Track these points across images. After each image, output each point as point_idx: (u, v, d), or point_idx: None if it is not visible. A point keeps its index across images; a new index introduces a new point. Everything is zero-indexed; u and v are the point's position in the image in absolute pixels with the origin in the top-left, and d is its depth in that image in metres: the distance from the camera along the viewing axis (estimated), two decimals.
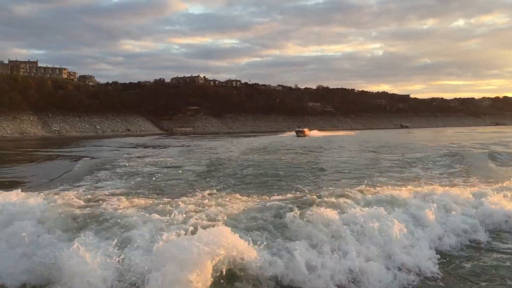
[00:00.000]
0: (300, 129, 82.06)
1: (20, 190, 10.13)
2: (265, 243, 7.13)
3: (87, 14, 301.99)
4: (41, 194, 10.12)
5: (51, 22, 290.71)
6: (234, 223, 8.13)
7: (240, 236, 6.97)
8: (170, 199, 10.14)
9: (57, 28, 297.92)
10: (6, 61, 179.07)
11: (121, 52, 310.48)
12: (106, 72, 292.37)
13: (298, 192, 13.02)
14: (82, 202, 9.71)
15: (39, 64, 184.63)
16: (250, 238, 7.18)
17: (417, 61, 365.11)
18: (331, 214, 8.52)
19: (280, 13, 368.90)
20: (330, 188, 13.50)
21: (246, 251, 6.68)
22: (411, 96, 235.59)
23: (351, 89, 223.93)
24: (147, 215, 8.03)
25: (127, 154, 33.36)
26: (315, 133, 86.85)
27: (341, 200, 9.97)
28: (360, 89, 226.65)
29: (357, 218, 8.53)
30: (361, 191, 11.34)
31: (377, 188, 12.81)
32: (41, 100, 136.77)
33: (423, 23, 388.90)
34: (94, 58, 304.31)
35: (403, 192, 11.27)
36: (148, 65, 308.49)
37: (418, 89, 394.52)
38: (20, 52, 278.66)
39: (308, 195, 10.85)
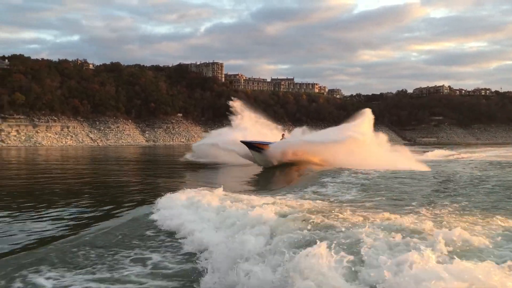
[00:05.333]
0: None
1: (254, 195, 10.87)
2: None
3: (328, 28, 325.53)
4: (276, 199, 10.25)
5: (295, 39, 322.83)
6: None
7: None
8: (399, 214, 7.92)
9: (301, 44, 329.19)
10: (268, 79, 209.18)
11: (359, 62, 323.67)
12: (344, 83, 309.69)
13: None
14: (311, 211, 8.46)
15: (295, 81, 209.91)
16: None
17: None
18: None
19: None
20: None
21: None
22: None
23: None
24: (380, 231, 6.40)
25: None
26: None
27: None
28: None
29: None
30: None
31: None
32: (298, 112, 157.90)
33: None
34: (333, 70, 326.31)
35: None
36: (385, 74, 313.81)
37: None
38: (268, 68, 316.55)
39: None
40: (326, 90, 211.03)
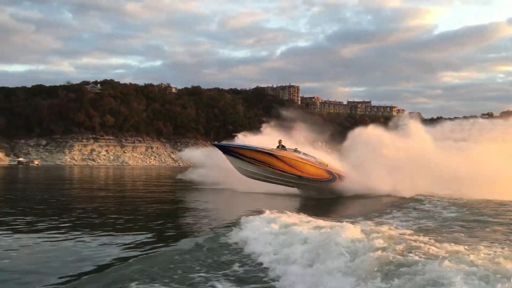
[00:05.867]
0: None
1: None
2: None
3: (407, 50, 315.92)
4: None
5: (372, 61, 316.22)
6: None
7: None
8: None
9: (377, 66, 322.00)
10: (344, 102, 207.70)
11: (440, 84, 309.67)
12: (423, 106, 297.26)
13: None
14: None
15: (372, 103, 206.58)
16: None
17: None
18: None
19: None
20: None
21: None
22: None
23: None
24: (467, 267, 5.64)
25: None
26: None
27: None
28: None
29: None
30: None
31: None
32: None
33: None
34: (411, 92, 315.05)
35: None
36: (468, 96, 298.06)
37: None
38: (343, 90, 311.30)
39: None
40: (405, 113, 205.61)
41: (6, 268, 7.89)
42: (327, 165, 23.12)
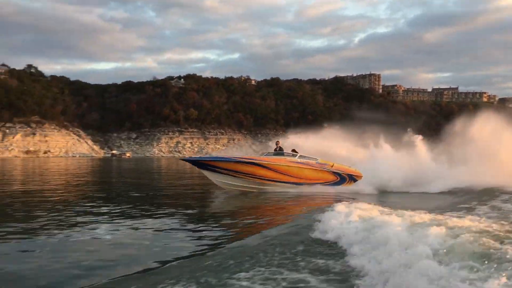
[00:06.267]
0: None
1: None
2: None
3: (497, 32, 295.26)
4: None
5: (457, 45, 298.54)
6: None
7: None
8: None
9: (463, 50, 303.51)
10: (428, 89, 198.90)
11: None
12: None
13: None
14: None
15: (460, 90, 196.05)
16: None
17: None
18: None
19: None
20: None
21: None
22: None
23: None
24: None
25: None
26: None
27: None
28: None
29: None
30: None
31: None
32: None
33: None
34: (503, 77, 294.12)
35: None
36: None
37: None
38: (426, 77, 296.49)
39: None
40: (496, 99, 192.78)
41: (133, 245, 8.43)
42: (332, 166, 20.96)
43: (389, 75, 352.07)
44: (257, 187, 19.81)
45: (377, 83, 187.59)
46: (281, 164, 19.91)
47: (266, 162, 19.83)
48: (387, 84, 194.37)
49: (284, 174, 19.95)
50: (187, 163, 24.31)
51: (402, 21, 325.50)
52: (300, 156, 20.59)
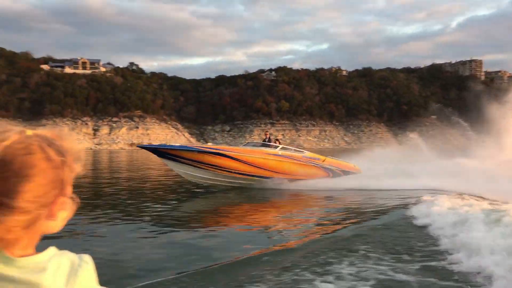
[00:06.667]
0: None
1: None
2: None
3: None
4: None
5: None
6: None
7: None
8: None
9: None
10: None
11: None
12: None
13: None
14: None
15: None
16: None
17: None
18: None
19: None
20: None
21: None
22: None
23: None
24: None
25: None
26: None
27: None
28: None
29: None
30: None
31: None
32: None
33: None
34: None
35: None
36: None
37: None
38: None
39: None
40: None
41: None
42: (323, 160, 19.34)
43: (492, 60, 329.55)
44: (225, 180, 17.96)
45: (479, 69, 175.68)
46: (255, 156, 17.97)
47: (235, 154, 17.71)
48: (490, 70, 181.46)
49: (259, 168, 17.96)
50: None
51: (506, 1, 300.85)
52: (283, 148, 19.11)
